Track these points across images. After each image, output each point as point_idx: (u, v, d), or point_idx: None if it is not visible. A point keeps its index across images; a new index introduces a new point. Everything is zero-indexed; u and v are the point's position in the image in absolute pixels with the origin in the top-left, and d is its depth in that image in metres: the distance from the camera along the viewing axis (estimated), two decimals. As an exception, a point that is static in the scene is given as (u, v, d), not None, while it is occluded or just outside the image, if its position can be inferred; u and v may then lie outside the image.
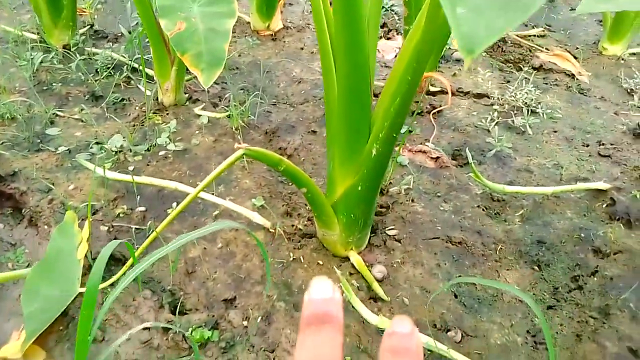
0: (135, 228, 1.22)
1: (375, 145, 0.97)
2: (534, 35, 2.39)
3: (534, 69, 2.09)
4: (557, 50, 2.19)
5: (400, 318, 0.29)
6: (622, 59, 2.21)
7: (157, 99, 1.70)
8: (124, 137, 1.49)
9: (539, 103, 1.83)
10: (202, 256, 1.16)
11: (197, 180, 1.37)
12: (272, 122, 1.66)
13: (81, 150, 1.46)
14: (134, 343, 0.96)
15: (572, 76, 2.06)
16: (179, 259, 1.15)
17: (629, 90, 1.98)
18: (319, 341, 0.27)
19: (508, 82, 1.98)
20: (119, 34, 2.12)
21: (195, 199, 1.29)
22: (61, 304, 0.98)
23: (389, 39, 2.31)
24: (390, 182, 1.42)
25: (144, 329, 0.98)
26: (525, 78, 1.96)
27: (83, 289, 0.94)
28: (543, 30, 2.43)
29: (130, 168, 1.40)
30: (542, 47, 2.26)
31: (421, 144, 1.59)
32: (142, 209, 1.28)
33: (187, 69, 1.47)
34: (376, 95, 1.30)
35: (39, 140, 1.49)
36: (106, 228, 1.22)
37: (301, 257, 1.17)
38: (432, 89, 1.89)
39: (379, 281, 1.12)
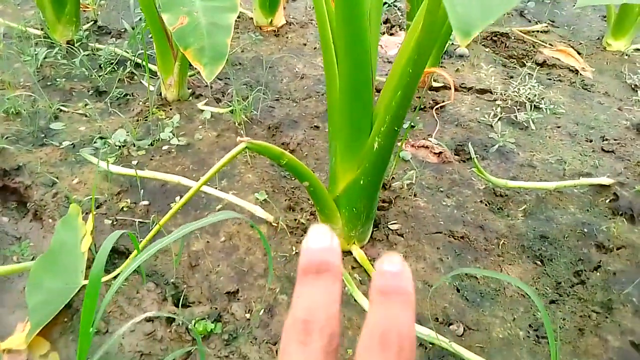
0: (139, 221, 1.23)
1: (377, 139, 0.97)
2: (538, 31, 2.39)
3: (538, 64, 2.09)
4: (560, 46, 2.19)
5: (390, 255, 0.27)
6: (626, 55, 2.20)
7: (160, 94, 1.70)
8: (127, 132, 1.49)
9: (542, 98, 1.82)
10: (206, 249, 1.17)
11: (200, 175, 1.37)
12: (274, 117, 1.66)
13: (85, 145, 1.47)
14: (138, 335, 0.97)
15: (576, 72, 2.05)
16: (182, 252, 1.16)
17: (633, 86, 1.97)
18: (317, 289, 0.26)
19: (511, 77, 1.98)
20: (123, 30, 2.12)
21: (198, 193, 1.30)
22: (65, 296, 0.98)
23: (392, 34, 2.31)
24: (393, 177, 1.42)
25: (148, 320, 0.99)
26: (529, 74, 1.96)
27: (87, 282, 0.95)
28: (546, 26, 2.43)
29: (134, 162, 1.41)
30: (546, 43, 2.25)
31: (424, 139, 1.59)
32: (146, 202, 1.29)
33: (190, 64, 1.48)
34: (378, 91, 1.30)
35: (43, 135, 1.50)
36: (110, 221, 1.23)
37: (304, 251, 1.17)
38: (435, 84, 1.89)
39: (381, 275, 1.12)
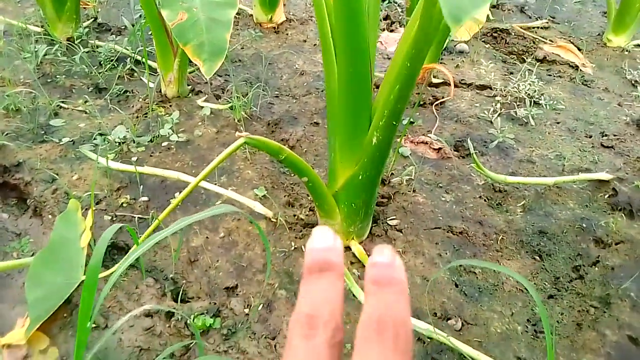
0: (139, 217, 1.23)
1: (375, 133, 0.97)
2: (538, 27, 2.38)
3: (538, 60, 2.09)
4: (560, 42, 2.19)
5: (380, 247, 0.29)
6: (627, 51, 2.20)
7: (160, 90, 1.71)
8: (127, 129, 1.50)
9: (542, 94, 1.82)
10: (205, 245, 1.17)
11: (200, 171, 1.36)
12: (274, 113, 1.67)
13: (85, 142, 1.47)
14: (137, 330, 0.97)
15: (576, 67, 2.05)
16: (181, 248, 1.16)
17: (633, 82, 1.97)
18: (320, 286, 0.27)
19: (511, 73, 1.97)
20: (123, 27, 2.12)
21: (198, 189, 1.31)
22: (65, 292, 0.99)
23: (392, 31, 2.30)
24: (392, 173, 1.42)
25: (147, 315, 0.99)
26: (529, 69, 1.96)
27: (86, 277, 0.95)
28: (547, 22, 2.42)
29: (134, 159, 1.41)
30: (546, 39, 2.25)
31: (423, 135, 1.59)
32: (145, 198, 1.29)
33: (190, 61, 1.48)
34: (378, 87, 1.30)
35: (43, 132, 1.50)
36: (109, 217, 1.23)
37: (302, 247, 1.18)
38: (434, 80, 1.89)
39: (379, 270, 1.13)
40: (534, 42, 2.23)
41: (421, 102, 1.76)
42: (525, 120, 1.69)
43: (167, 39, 1.57)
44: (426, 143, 1.55)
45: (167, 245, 1.17)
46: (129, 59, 1.85)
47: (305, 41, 2.17)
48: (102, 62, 1.85)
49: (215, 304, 1.04)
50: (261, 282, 1.09)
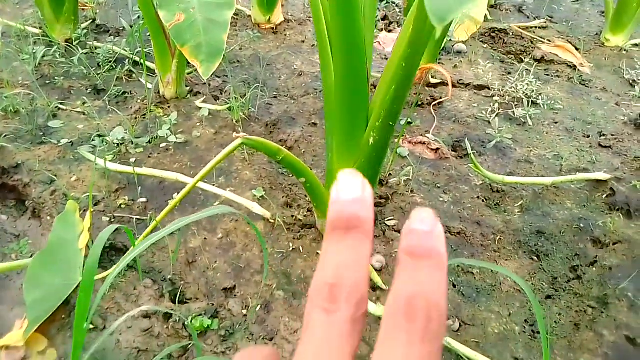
0: (137, 218, 1.24)
1: (372, 134, 0.98)
2: (536, 27, 2.38)
3: (536, 60, 2.09)
4: (558, 42, 2.19)
5: (421, 211, 0.24)
6: (624, 50, 2.20)
7: (158, 92, 1.71)
8: (125, 130, 1.50)
9: (540, 94, 1.82)
10: (203, 246, 1.17)
11: (198, 172, 1.36)
12: (272, 114, 1.67)
13: (83, 143, 1.47)
14: (135, 331, 0.97)
15: (574, 67, 2.05)
16: (179, 249, 1.16)
17: (630, 81, 1.97)
18: (345, 249, 0.24)
19: (509, 73, 1.98)
20: (121, 28, 2.12)
21: (196, 190, 1.31)
22: (63, 293, 0.99)
23: (389, 31, 2.31)
24: (390, 174, 1.42)
25: (145, 317, 0.99)
26: (527, 69, 1.96)
27: (84, 278, 0.95)
28: (545, 22, 2.42)
29: (132, 160, 1.41)
30: (544, 39, 2.25)
31: (421, 135, 1.59)
32: (144, 200, 1.29)
33: (188, 62, 1.48)
34: (376, 87, 1.31)
35: (41, 133, 1.51)
36: (108, 218, 1.23)
37: (300, 247, 1.18)
38: (432, 80, 1.89)
39: (377, 271, 1.13)
40: (532, 42, 2.23)
41: (419, 103, 1.77)
42: (523, 120, 1.69)
43: (165, 40, 1.58)
44: (424, 143, 1.55)
45: (166, 247, 1.17)
46: (127, 60, 1.86)
47: (303, 42, 2.17)
48: (100, 64, 1.85)
49: (213, 305, 1.04)
50: (259, 283, 1.10)
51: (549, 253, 1.23)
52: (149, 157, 1.44)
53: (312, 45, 2.13)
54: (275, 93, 1.80)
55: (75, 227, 1.09)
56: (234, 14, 2.31)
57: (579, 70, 2.03)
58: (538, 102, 1.79)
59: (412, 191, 1.37)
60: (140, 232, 1.19)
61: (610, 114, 1.77)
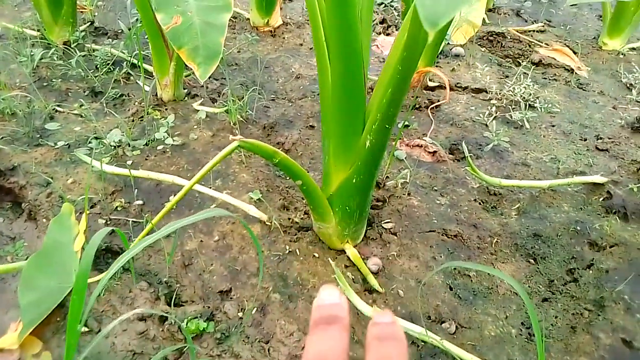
0: (133, 221, 1.23)
1: (369, 137, 0.98)
2: (534, 31, 2.39)
3: (533, 64, 2.09)
4: (556, 45, 2.19)
5: (382, 311, 0.32)
6: (622, 54, 2.21)
7: (156, 94, 1.71)
8: (122, 132, 1.50)
9: (537, 98, 1.83)
10: (199, 249, 1.17)
11: (195, 174, 1.36)
12: (270, 117, 1.67)
13: (80, 145, 1.47)
14: (130, 334, 0.97)
15: (571, 71, 2.05)
16: (175, 251, 1.16)
17: (628, 85, 1.97)
18: (327, 338, 0.29)
19: (507, 77, 1.98)
20: (119, 31, 2.13)
21: (192, 192, 1.31)
22: (58, 296, 0.99)
23: (388, 34, 2.31)
24: (387, 176, 1.42)
25: (140, 320, 0.99)
26: (524, 73, 1.96)
27: (79, 280, 0.95)
28: (543, 26, 2.43)
29: (129, 162, 1.41)
30: (542, 42, 2.26)
31: (419, 138, 1.59)
32: (140, 202, 1.29)
33: (186, 65, 1.48)
34: (373, 90, 1.31)
35: (38, 135, 1.50)
36: (104, 221, 1.23)
37: (297, 250, 1.18)
38: (430, 84, 1.90)
39: (374, 273, 1.13)
40: (529, 46, 2.24)
41: (417, 106, 1.77)
42: (521, 124, 1.70)
43: (163, 42, 1.58)
44: (421, 146, 1.55)
45: (161, 249, 1.17)
46: (125, 62, 1.86)
47: (301, 45, 2.17)
48: (98, 66, 1.85)
49: (209, 307, 1.04)
50: (255, 285, 1.09)
51: (545, 256, 1.23)
52: (146, 159, 1.44)
53: (310, 48, 2.14)
54: (272, 96, 1.80)
55: (71, 229, 1.09)
56: (232, 17, 2.32)
57: (576, 73, 2.03)
58: (535, 105, 1.79)
59: (409, 194, 1.37)
60: (136, 235, 1.19)
61: (608, 117, 1.77)
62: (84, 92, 1.74)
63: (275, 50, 2.11)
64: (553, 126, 1.71)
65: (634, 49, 2.24)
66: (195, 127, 1.58)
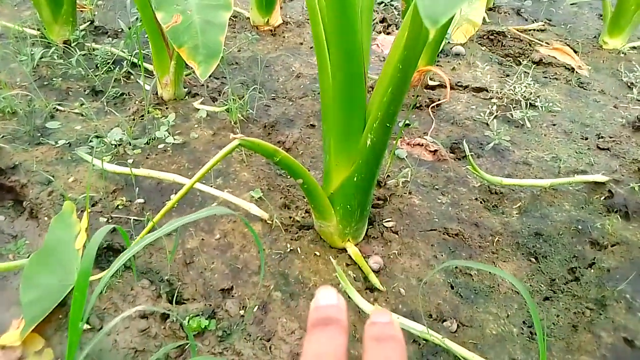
0: (134, 219, 1.23)
1: (369, 135, 0.98)
2: (534, 30, 2.39)
3: (534, 62, 2.09)
4: (557, 44, 2.19)
5: (379, 310, 0.32)
6: (623, 53, 2.21)
7: (156, 93, 1.71)
8: (123, 131, 1.50)
9: (538, 96, 1.83)
10: (200, 247, 1.17)
11: (196, 173, 1.37)
12: (270, 116, 1.67)
13: (81, 144, 1.47)
14: (132, 331, 0.97)
15: (572, 70, 2.05)
16: (177, 250, 1.16)
17: (629, 84, 1.97)
18: (325, 338, 0.29)
19: (507, 76, 1.98)
20: (119, 30, 2.13)
21: (193, 191, 1.31)
22: (60, 293, 0.99)
23: (388, 33, 2.31)
24: (388, 175, 1.42)
25: (142, 317, 0.99)
26: (525, 72, 1.96)
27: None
28: (543, 25, 2.43)
29: (130, 161, 1.41)
30: (542, 41, 2.26)
31: (419, 137, 1.59)
32: (141, 200, 1.29)
33: (186, 64, 1.48)
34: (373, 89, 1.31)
35: (39, 134, 1.50)
36: (105, 219, 1.23)
37: (298, 248, 1.18)
38: (431, 83, 1.90)
39: (375, 272, 1.13)
40: (530, 45, 2.24)
41: (417, 105, 1.77)
42: (521, 123, 1.70)
43: (163, 41, 1.58)
44: (422, 145, 1.55)
45: (163, 247, 1.17)
46: (125, 61, 1.86)
47: (301, 44, 2.17)
48: (98, 65, 1.85)
49: (210, 305, 1.04)
50: (257, 283, 1.09)
51: (547, 255, 1.23)
52: (147, 158, 1.44)
53: (311, 47, 2.13)
54: (273, 95, 1.80)
55: (72, 227, 1.09)
56: (232, 16, 2.32)
57: (577, 72, 2.03)
58: (536, 104, 1.79)
59: (410, 193, 1.37)
60: (137, 233, 1.19)
61: (609, 116, 1.77)
62: (85, 91, 1.74)
63: (275, 49, 2.11)
64: (554, 125, 1.71)
65: (634, 47, 2.24)
66: (196, 125, 1.58)
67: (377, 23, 2.38)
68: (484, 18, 2.36)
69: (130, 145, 1.47)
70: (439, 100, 1.79)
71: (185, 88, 1.75)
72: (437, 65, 2.01)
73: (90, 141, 1.47)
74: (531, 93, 1.81)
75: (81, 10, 2.24)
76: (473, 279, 1.15)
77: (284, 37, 2.22)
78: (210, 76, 1.71)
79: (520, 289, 0.77)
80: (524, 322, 1.07)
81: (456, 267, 1.17)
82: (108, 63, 1.85)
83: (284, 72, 1.94)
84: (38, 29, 2.03)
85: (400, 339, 0.29)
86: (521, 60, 2.11)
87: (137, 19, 2.12)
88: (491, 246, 1.24)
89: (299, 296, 1.07)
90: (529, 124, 1.69)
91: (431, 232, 1.26)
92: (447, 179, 1.43)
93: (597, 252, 1.23)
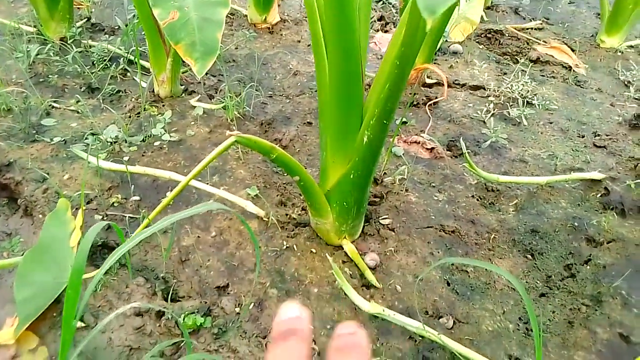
0: (129, 217, 1.23)
1: (366, 132, 0.97)
2: (532, 28, 2.39)
3: (531, 61, 2.09)
4: (554, 43, 2.19)
5: (345, 323, 0.31)
6: (620, 51, 2.21)
7: (153, 90, 1.70)
8: (119, 128, 1.49)
9: (535, 95, 1.83)
10: (196, 244, 1.17)
11: (192, 170, 1.37)
12: (267, 113, 1.66)
13: (76, 141, 1.46)
14: (127, 329, 0.97)
15: (569, 68, 2.05)
16: (172, 247, 1.15)
17: (625, 82, 1.98)
18: (285, 351, 0.29)
19: (504, 74, 1.98)
20: (116, 27, 2.12)
21: (189, 189, 1.30)
22: (54, 291, 0.98)
23: (386, 31, 2.31)
24: (385, 173, 1.42)
25: (137, 315, 0.98)
26: (522, 70, 1.96)
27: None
28: (541, 23, 2.43)
29: (125, 158, 1.40)
30: (540, 40, 2.26)
31: (416, 135, 1.59)
32: (137, 198, 1.28)
33: (183, 61, 1.48)
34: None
35: (34, 131, 1.50)
36: (100, 217, 1.22)
37: (294, 246, 1.18)
38: (428, 80, 1.89)
39: (371, 269, 1.13)
40: (527, 43, 2.24)
41: (414, 102, 1.77)
42: (518, 120, 1.70)
43: (160, 38, 1.57)
44: (419, 143, 1.55)
45: (158, 245, 1.16)
46: (122, 59, 1.85)
47: (299, 41, 2.17)
48: (94, 62, 1.84)
49: (206, 303, 1.04)
50: (252, 281, 1.09)
51: (543, 251, 1.23)
52: (143, 155, 1.43)
53: (308, 45, 2.13)
54: (270, 92, 1.79)
55: (67, 225, 1.08)
56: (230, 14, 2.31)
57: (574, 71, 2.03)
58: (533, 102, 1.79)
59: (406, 190, 1.37)
60: (133, 231, 1.19)
61: (605, 114, 1.77)
62: (81, 88, 1.73)
63: (272, 47, 2.11)
64: (551, 123, 1.71)
65: (631, 46, 2.25)
66: (192, 123, 1.58)
67: (375, 21, 2.38)
68: (481, 16, 2.35)
69: (126, 142, 1.46)
70: (436, 98, 1.78)
71: (181, 85, 1.74)
72: (434, 63, 2.01)
73: (86, 138, 1.46)
74: (528, 91, 1.81)
75: (78, 7, 2.23)
76: (469, 276, 1.15)
77: (281, 34, 2.22)
78: (207, 74, 1.70)
79: (517, 286, 0.77)
80: (519, 319, 1.07)
81: (452, 264, 1.17)
82: (104, 60, 1.85)
83: (281, 70, 1.94)
84: (34, 26, 2.02)
85: (364, 346, 0.29)
86: (519, 59, 2.11)
87: (134, 16, 2.11)
88: (487, 243, 1.24)
89: (295, 293, 1.07)
90: (525, 122, 1.69)
91: (428, 229, 1.26)
92: (443, 177, 1.43)
93: (593, 249, 1.23)
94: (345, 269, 1.13)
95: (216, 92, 1.76)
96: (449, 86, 1.88)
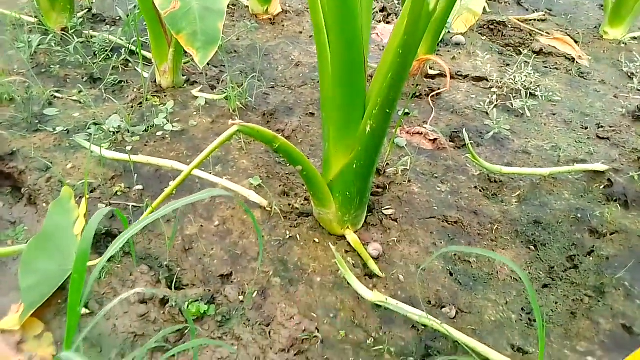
0: (133, 205, 1.23)
1: (369, 122, 0.97)
2: (535, 20, 2.38)
3: (534, 52, 2.08)
4: (557, 34, 2.18)
5: None
6: (623, 43, 2.20)
7: (155, 81, 1.70)
8: (121, 118, 1.49)
9: (538, 86, 1.82)
10: (199, 233, 1.17)
11: (194, 160, 1.37)
12: (269, 104, 1.66)
13: (79, 131, 1.46)
14: (131, 316, 0.97)
15: (572, 60, 2.05)
16: (176, 236, 1.16)
17: (629, 74, 1.97)
18: None
19: (507, 65, 1.97)
20: (117, 17, 2.11)
21: (192, 178, 1.30)
22: (59, 278, 0.98)
23: (388, 22, 2.30)
24: (388, 163, 1.42)
25: (142, 302, 0.99)
26: (525, 61, 1.96)
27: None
28: (544, 15, 2.42)
29: (128, 148, 1.40)
30: (543, 31, 2.25)
31: (419, 126, 1.58)
32: (140, 187, 1.29)
33: (185, 52, 1.47)
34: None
35: (37, 121, 1.50)
36: (104, 205, 1.22)
37: (297, 235, 1.18)
38: (431, 72, 1.89)
39: (374, 259, 1.13)
40: (530, 35, 2.23)
41: (417, 94, 1.76)
42: (521, 112, 1.69)
43: (162, 29, 1.56)
44: (422, 134, 1.55)
45: (162, 234, 1.17)
46: (123, 49, 1.84)
47: (301, 32, 2.16)
48: (96, 53, 1.84)
49: (209, 291, 1.04)
50: (256, 270, 1.09)
51: (546, 243, 1.23)
52: (145, 145, 1.43)
53: (310, 36, 2.12)
54: (272, 83, 1.79)
55: (71, 213, 1.09)
56: (231, 5, 2.30)
57: (577, 62, 2.03)
58: (536, 93, 1.78)
59: (409, 181, 1.36)
60: (136, 219, 1.19)
61: (609, 106, 1.77)
62: (83, 78, 1.73)
63: (274, 38, 2.10)
64: (554, 114, 1.70)
65: (635, 38, 2.24)
66: (195, 113, 1.57)
67: (377, 12, 2.36)
68: (484, 8, 2.34)
69: (128, 132, 1.46)
70: (438, 89, 1.78)
71: (184, 76, 1.74)
72: (437, 54, 2.00)
73: (89, 128, 1.46)
74: (531, 82, 1.81)
75: (79, -2, 2.22)
76: (472, 266, 1.15)
77: (283, 25, 2.21)
78: (208, 64, 1.70)
79: (520, 274, 0.77)
80: (522, 309, 1.07)
81: (455, 254, 1.17)
82: (106, 51, 1.84)
83: (283, 61, 1.93)
84: (36, 16, 2.01)
85: None
86: (521, 50, 2.10)
87: (135, 6, 2.10)
88: (490, 234, 1.24)
89: (298, 282, 1.07)
90: (528, 113, 1.68)
91: (430, 219, 1.26)
92: (446, 168, 1.43)
93: (596, 240, 1.23)
94: (348, 258, 1.13)
95: (218, 83, 1.75)
96: (451, 77, 1.88)
